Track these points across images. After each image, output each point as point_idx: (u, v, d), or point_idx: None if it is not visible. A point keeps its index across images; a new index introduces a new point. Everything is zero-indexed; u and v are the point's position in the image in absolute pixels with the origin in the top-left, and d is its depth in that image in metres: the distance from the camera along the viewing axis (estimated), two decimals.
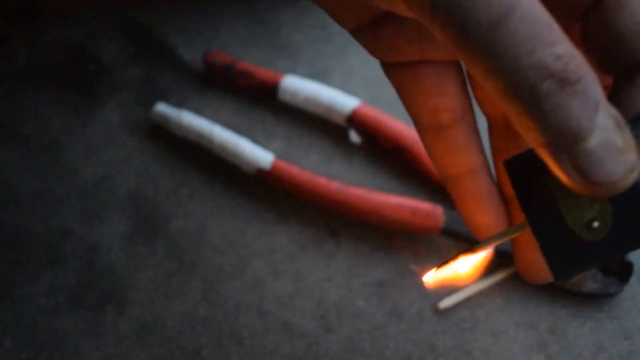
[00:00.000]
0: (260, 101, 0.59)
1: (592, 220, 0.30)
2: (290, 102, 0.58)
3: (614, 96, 0.30)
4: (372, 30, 0.34)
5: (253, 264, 0.53)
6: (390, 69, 0.36)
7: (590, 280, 0.51)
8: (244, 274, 0.53)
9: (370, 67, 0.59)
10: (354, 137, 0.57)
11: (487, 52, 0.26)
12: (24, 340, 0.51)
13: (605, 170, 0.26)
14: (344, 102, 0.57)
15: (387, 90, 0.39)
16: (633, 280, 0.51)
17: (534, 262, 0.36)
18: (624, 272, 0.51)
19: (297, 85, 0.58)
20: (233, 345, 0.51)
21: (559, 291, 0.51)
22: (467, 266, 0.36)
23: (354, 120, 0.56)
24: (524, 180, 0.31)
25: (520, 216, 0.36)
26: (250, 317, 0.52)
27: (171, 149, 0.58)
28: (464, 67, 0.36)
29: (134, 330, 0.51)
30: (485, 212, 0.36)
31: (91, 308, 0.52)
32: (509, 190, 0.37)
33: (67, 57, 0.62)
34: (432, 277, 0.37)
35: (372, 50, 0.35)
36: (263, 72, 0.59)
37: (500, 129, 0.37)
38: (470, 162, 0.37)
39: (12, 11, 0.63)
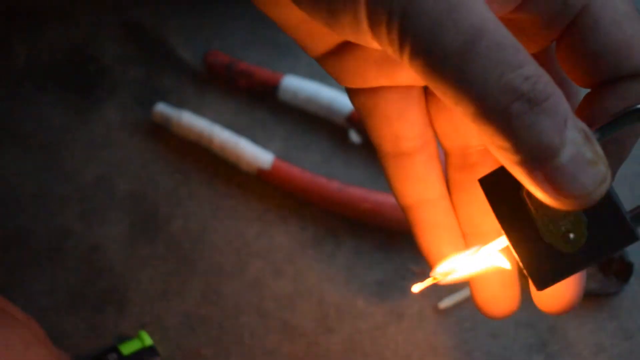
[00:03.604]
0: (260, 101, 0.59)
1: (567, 233, 0.31)
2: (290, 102, 0.58)
3: (588, 104, 0.31)
4: (336, 58, 0.35)
5: (253, 264, 0.53)
6: (355, 94, 0.36)
7: (590, 280, 0.51)
8: (244, 274, 0.53)
9: None
10: (354, 137, 0.57)
11: (458, 79, 0.27)
12: None
13: (578, 183, 0.27)
14: (344, 102, 0.57)
15: None
16: (633, 280, 0.51)
17: (493, 296, 0.36)
18: (624, 272, 0.51)
19: (297, 85, 0.58)
20: (233, 345, 0.51)
21: None
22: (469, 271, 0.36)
23: (354, 120, 0.56)
24: (499, 197, 0.32)
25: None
26: (250, 317, 0.52)
27: (171, 149, 0.58)
28: (426, 96, 0.36)
29: (134, 331, 0.51)
30: (442, 243, 0.37)
31: (91, 308, 0.52)
32: (467, 224, 0.37)
33: (67, 57, 0.62)
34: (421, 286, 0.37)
35: (338, 77, 0.36)
36: (263, 72, 0.59)
37: (457, 162, 0.37)
38: (429, 192, 0.37)
39: (12, 11, 0.63)
